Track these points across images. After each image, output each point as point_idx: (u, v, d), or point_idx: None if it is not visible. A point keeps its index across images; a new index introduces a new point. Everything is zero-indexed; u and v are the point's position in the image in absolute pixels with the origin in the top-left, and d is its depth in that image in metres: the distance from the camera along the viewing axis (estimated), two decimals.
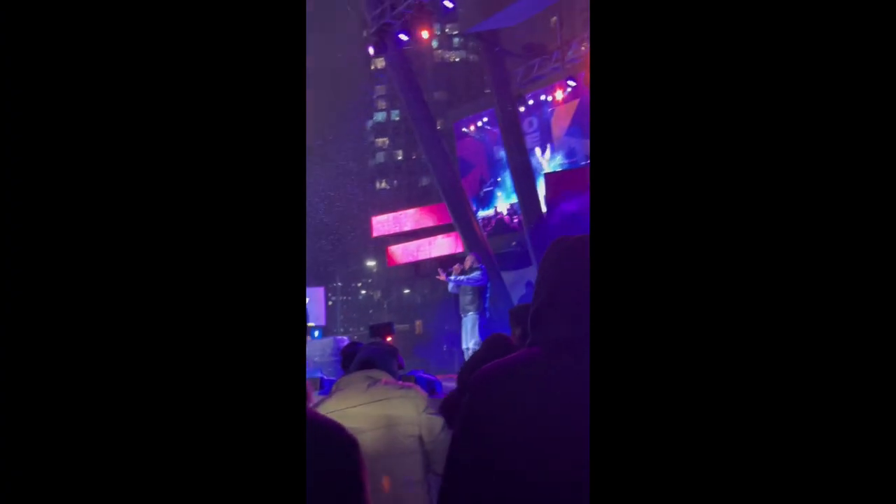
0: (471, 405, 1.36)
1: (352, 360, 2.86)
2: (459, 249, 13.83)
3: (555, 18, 14.63)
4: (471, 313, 8.54)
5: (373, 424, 2.49)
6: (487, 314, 8.72)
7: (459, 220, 12.37)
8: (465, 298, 8.58)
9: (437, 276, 8.98)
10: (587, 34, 12.40)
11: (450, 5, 9.80)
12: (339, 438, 1.47)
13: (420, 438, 2.54)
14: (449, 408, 2.70)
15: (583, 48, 12.47)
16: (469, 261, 8.80)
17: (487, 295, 8.73)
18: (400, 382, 2.68)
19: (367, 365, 2.71)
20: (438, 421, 2.58)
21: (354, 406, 2.52)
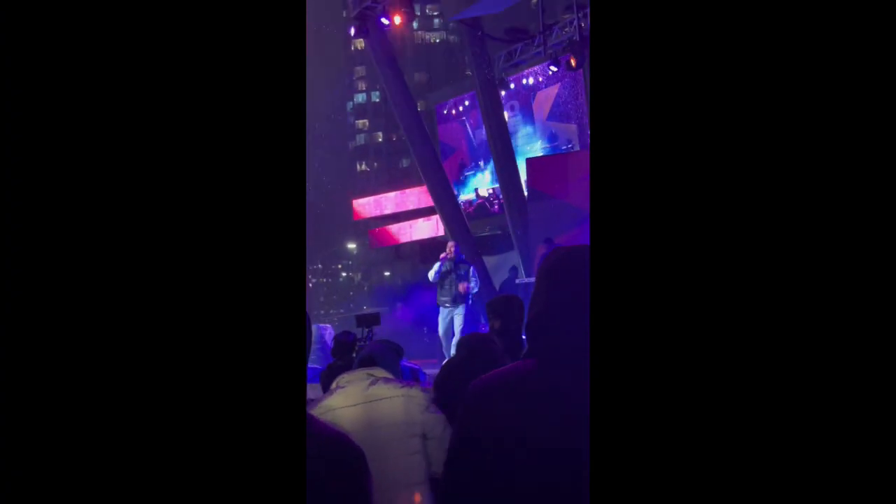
0: (466, 420, 1.35)
1: (345, 348, 2.83)
2: (440, 233, 13.82)
3: (536, 0, 14.58)
4: (441, 307, 8.42)
5: (374, 425, 2.47)
6: (469, 302, 8.58)
7: (440, 203, 12.36)
8: (442, 291, 8.47)
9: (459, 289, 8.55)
10: (568, 18, 12.37)
11: None
12: (346, 452, 1.46)
13: (423, 438, 2.53)
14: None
15: (565, 31, 12.45)
16: (450, 247, 8.63)
17: (471, 289, 8.50)
18: (401, 381, 2.67)
19: (368, 362, 2.70)
20: (441, 419, 2.57)
21: (354, 405, 2.50)
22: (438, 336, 8.66)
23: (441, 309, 8.47)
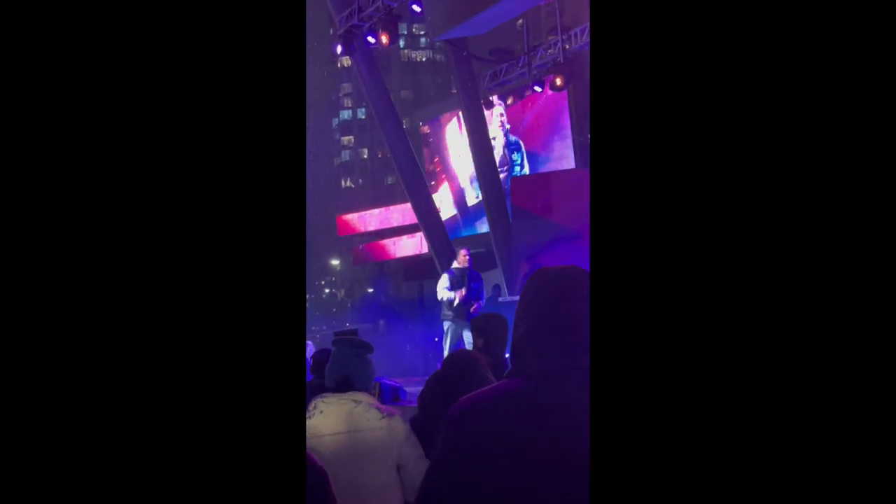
0: (449, 439, 1.34)
1: (324, 367, 2.74)
2: (424, 250, 13.83)
3: (521, 21, 14.73)
4: (448, 321, 7.88)
5: (356, 455, 2.44)
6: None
7: (424, 221, 12.39)
8: (445, 305, 7.90)
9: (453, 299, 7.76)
10: (553, 40, 12.50)
11: (418, 10, 9.82)
12: (311, 472, 1.45)
13: (398, 469, 2.50)
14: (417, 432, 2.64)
15: (549, 52, 12.58)
16: (463, 256, 7.84)
17: (476, 305, 7.83)
18: (382, 407, 2.60)
19: (345, 383, 2.62)
20: (417, 451, 2.54)
21: (335, 434, 2.47)
22: (418, 354, 8.30)
23: (446, 323, 7.90)
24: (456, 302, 7.69)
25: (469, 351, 3.15)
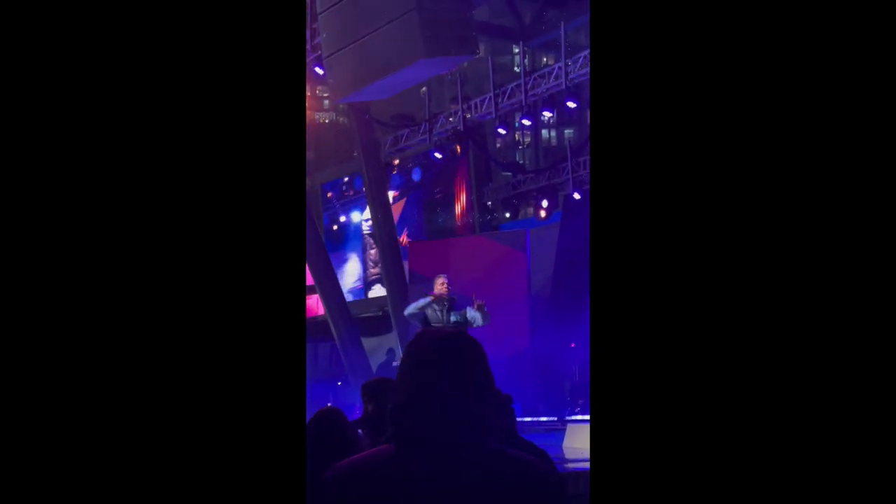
0: None
1: None
2: (320, 312, 13.64)
3: (424, 89, 15.10)
4: None
5: None
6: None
7: (321, 283, 12.25)
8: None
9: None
10: (455, 108, 12.84)
11: (321, 72, 9.90)
12: None
13: None
14: None
15: (450, 120, 12.91)
16: (442, 285, 6.38)
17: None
18: None
19: None
20: None
21: None
22: (309, 415, 8.01)
23: None
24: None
25: (332, 410, 3.10)
